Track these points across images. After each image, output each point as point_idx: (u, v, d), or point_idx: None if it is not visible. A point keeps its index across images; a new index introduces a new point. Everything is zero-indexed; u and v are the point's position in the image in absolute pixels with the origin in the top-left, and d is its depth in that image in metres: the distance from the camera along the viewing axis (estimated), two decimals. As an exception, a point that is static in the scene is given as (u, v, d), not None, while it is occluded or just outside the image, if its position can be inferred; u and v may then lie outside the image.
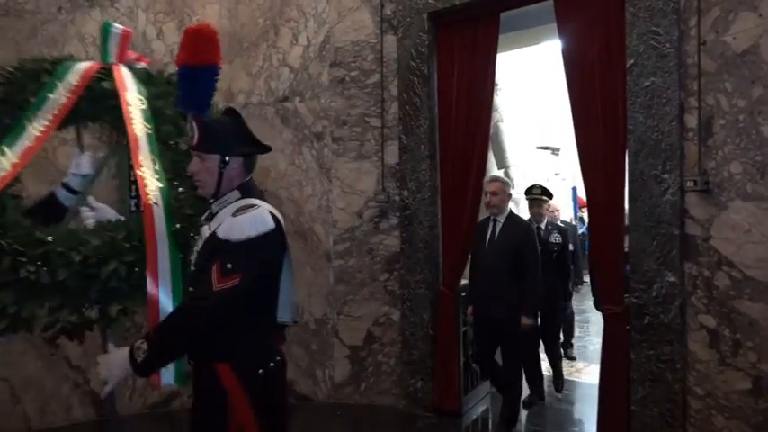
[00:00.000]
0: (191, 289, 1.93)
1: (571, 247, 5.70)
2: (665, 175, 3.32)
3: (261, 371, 1.91)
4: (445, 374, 4.34)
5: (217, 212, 1.96)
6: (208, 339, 1.84)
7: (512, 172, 5.85)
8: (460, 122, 4.33)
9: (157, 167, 2.22)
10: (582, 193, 5.80)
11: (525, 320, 3.84)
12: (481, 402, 4.72)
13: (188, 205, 2.20)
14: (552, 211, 6.18)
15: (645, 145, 3.38)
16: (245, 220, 1.83)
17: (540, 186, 4.82)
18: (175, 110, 2.34)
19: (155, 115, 2.34)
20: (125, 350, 1.83)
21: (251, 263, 1.81)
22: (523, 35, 4.73)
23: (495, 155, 5.31)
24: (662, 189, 3.33)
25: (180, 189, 2.23)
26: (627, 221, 3.55)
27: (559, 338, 5.13)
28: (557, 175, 10.43)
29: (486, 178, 4.11)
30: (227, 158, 1.92)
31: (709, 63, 3.23)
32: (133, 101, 2.31)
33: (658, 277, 3.34)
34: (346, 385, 4.65)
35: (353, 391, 4.64)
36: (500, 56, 4.33)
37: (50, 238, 2.01)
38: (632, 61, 3.43)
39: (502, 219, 3.99)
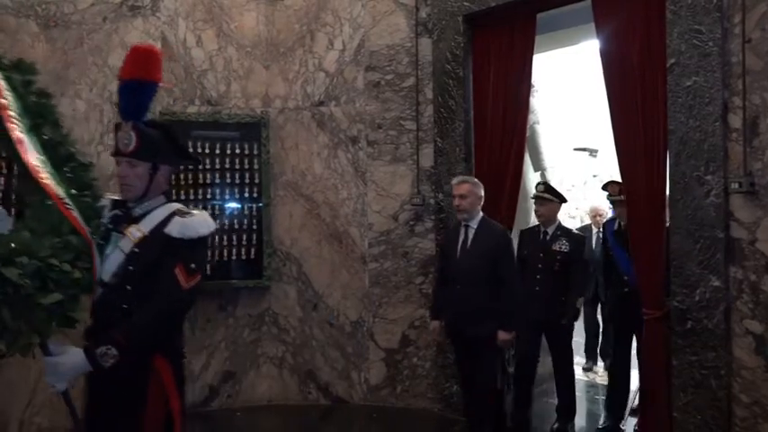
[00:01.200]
0: (128, 287, 1.97)
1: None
2: (708, 177, 3.23)
3: (185, 359, 2.14)
4: (481, 378, 4.31)
5: (142, 215, 2.07)
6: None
7: (548, 174, 5.77)
8: (496, 125, 4.31)
9: (49, 169, 1.97)
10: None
11: (503, 335, 3.44)
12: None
13: (87, 207, 2.06)
14: (595, 216, 6.00)
15: (687, 146, 3.30)
16: (196, 221, 2.02)
17: (544, 183, 4.31)
18: (33, 100, 2.09)
19: (19, 105, 2.03)
20: (79, 355, 1.87)
21: (205, 259, 2.03)
22: (561, 35, 4.66)
23: (531, 157, 5.24)
24: (705, 191, 3.24)
25: (72, 191, 2.02)
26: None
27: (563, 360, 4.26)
28: (595, 176, 10.24)
29: (454, 180, 3.70)
30: (158, 166, 2.08)
31: (755, 61, 3.13)
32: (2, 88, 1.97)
33: (702, 281, 3.25)
34: (382, 388, 4.66)
35: (389, 394, 4.65)
36: (536, 57, 4.29)
37: (13, 245, 1.76)
38: (673, 60, 3.35)
39: (474, 224, 3.59)
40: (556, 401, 4.31)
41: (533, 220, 5.60)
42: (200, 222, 2.03)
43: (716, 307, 3.22)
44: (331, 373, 4.75)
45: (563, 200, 4.28)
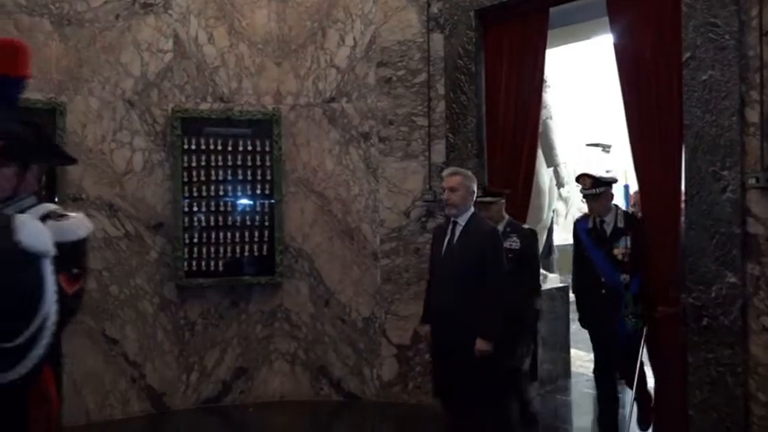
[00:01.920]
0: None
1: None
2: (725, 172, 3.19)
3: (62, 363, 2.04)
4: (494, 375, 4.29)
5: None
6: None
7: (561, 170, 5.74)
8: (509, 120, 4.28)
9: None
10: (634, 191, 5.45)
11: (481, 345, 3.09)
12: (530, 405, 4.64)
13: None
14: None
15: (703, 141, 3.26)
16: (73, 223, 1.93)
17: (482, 187, 3.94)
18: None
19: None
20: None
21: (86, 262, 1.94)
22: (574, 30, 4.62)
23: (543, 152, 5.20)
24: (721, 186, 3.20)
25: None
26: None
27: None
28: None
29: (445, 172, 3.45)
30: (28, 165, 1.97)
31: (772, 54, 3.08)
32: None
33: (718, 278, 3.21)
34: (394, 384, 4.66)
35: (401, 391, 4.64)
36: (549, 51, 4.25)
37: None
38: (689, 54, 3.31)
39: (463, 221, 3.29)
40: (568, 398, 4.27)
41: (546, 217, 5.58)
42: (77, 224, 1.92)
43: (732, 303, 3.17)
44: (343, 369, 4.75)
45: (505, 195, 4.05)
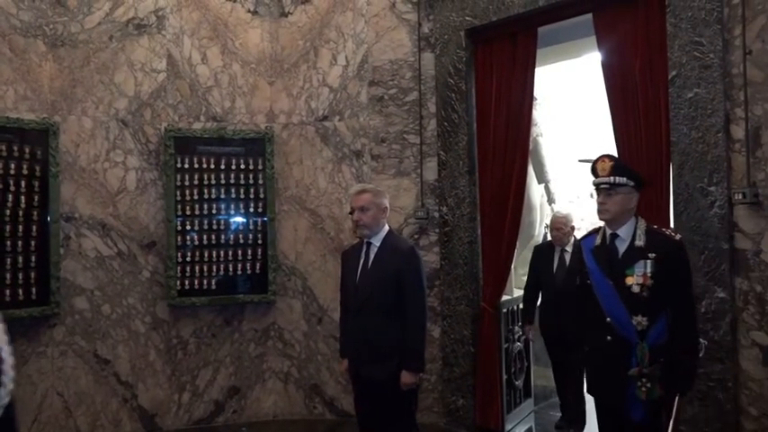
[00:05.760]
0: None
1: None
2: (712, 188, 3.23)
3: None
4: (487, 392, 4.29)
5: None
6: None
7: (552, 186, 5.78)
8: (499, 138, 4.32)
9: None
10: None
11: (406, 377, 2.89)
12: (524, 421, 4.64)
13: None
14: (559, 228, 4.56)
15: (690, 157, 3.31)
16: None
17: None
18: None
19: None
20: None
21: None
22: (562, 48, 4.69)
23: (534, 169, 5.25)
24: (709, 202, 3.24)
25: None
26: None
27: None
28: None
29: (352, 189, 3.17)
30: None
31: (756, 72, 3.14)
32: None
33: (707, 293, 3.24)
34: (387, 402, 4.64)
35: (395, 408, 4.62)
36: (539, 69, 4.31)
37: None
38: (674, 73, 3.37)
39: (377, 241, 3.04)
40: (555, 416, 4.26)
41: (537, 233, 5.61)
42: None
43: (722, 318, 3.20)
44: (336, 387, 4.73)
45: None
